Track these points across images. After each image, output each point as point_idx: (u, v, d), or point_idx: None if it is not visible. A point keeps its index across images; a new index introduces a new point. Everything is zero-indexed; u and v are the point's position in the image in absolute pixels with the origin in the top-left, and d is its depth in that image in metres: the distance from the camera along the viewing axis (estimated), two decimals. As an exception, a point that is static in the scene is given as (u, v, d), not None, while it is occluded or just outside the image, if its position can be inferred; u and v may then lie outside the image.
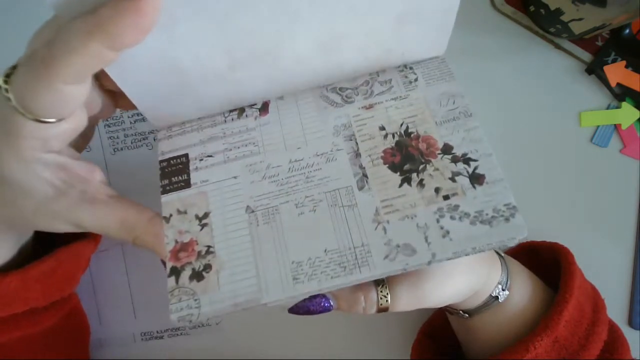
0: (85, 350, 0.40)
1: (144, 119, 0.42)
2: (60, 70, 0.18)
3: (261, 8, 0.20)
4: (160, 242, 0.24)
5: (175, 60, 0.22)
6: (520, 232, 0.23)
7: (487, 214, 0.23)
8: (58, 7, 0.18)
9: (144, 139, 0.42)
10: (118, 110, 0.42)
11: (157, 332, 0.41)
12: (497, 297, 0.29)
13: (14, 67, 0.20)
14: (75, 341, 0.38)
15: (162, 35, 0.20)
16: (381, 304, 0.26)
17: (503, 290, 0.29)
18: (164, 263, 0.24)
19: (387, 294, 0.26)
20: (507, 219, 0.23)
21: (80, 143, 0.26)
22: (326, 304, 0.26)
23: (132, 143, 0.42)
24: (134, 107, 0.25)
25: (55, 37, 0.18)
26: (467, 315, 0.30)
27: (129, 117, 0.42)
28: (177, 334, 0.41)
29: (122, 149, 0.42)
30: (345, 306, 0.27)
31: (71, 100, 0.20)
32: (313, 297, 0.26)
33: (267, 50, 0.23)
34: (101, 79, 0.24)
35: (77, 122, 0.22)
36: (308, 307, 0.26)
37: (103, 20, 0.17)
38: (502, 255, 0.30)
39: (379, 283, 0.26)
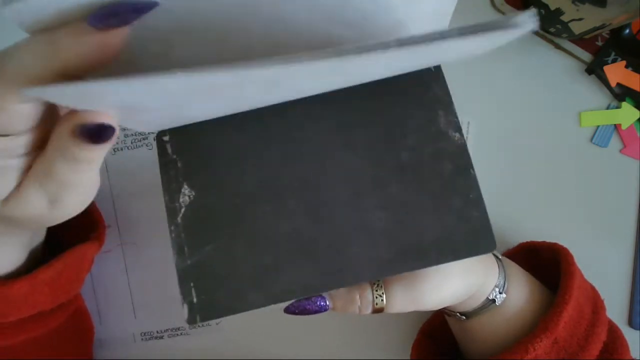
0: (89, 349, 0.40)
1: (144, 119, 0.42)
2: (11, 92, 0.17)
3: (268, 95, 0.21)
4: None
5: (179, 116, 0.23)
6: None
7: None
8: (23, 26, 0.17)
9: (144, 139, 0.42)
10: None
11: (157, 332, 0.41)
12: (494, 300, 0.28)
13: None
14: (79, 341, 0.38)
15: (171, 113, 0.21)
16: (377, 304, 0.26)
17: (500, 293, 0.29)
18: None
19: (383, 293, 0.26)
20: None
21: None
22: (322, 303, 0.26)
23: (132, 143, 0.42)
24: None
25: (7, 56, 0.17)
26: (464, 317, 0.30)
27: (129, 117, 0.42)
28: (177, 334, 0.41)
29: (122, 149, 0.42)
30: (341, 306, 0.27)
31: (24, 117, 0.18)
32: (309, 297, 0.26)
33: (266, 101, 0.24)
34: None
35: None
36: (304, 306, 0.26)
37: (61, 49, 0.16)
38: (500, 257, 0.30)
39: (375, 283, 0.26)
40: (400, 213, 0.24)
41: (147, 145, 0.42)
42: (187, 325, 0.41)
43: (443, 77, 0.25)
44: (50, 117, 0.20)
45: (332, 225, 0.24)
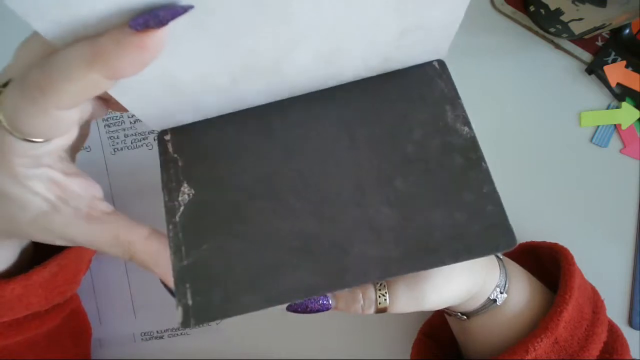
0: (87, 350, 0.40)
1: (143, 119, 0.42)
2: (57, 97, 0.18)
3: (262, 28, 0.20)
4: (157, 261, 0.24)
5: (176, 76, 0.22)
6: None
7: None
8: (52, 36, 0.17)
9: (144, 139, 0.42)
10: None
11: (157, 332, 0.41)
12: (495, 300, 0.29)
13: (4, 85, 0.20)
14: (77, 341, 0.38)
15: (164, 56, 0.20)
16: (380, 304, 0.26)
17: (501, 293, 0.29)
18: (164, 285, 0.24)
19: (386, 292, 0.26)
20: None
21: (77, 143, 0.26)
22: (324, 302, 0.26)
23: (132, 143, 0.42)
24: (125, 109, 0.25)
25: (52, 62, 0.17)
26: (465, 317, 0.30)
27: (129, 117, 0.42)
28: (177, 334, 0.41)
29: (122, 149, 0.42)
30: (344, 305, 0.27)
31: (64, 124, 0.20)
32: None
33: (268, 66, 0.23)
34: None
35: (68, 138, 0.22)
36: (306, 304, 0.26)
37: (105, 52, 0.17)
38: (501, 258, 0.30)
39: (378, 283, 0.26)
40: (407, 209, 0.23)
41: (147, 145, 0.42)
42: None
43: (448, 74, 0.25)
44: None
45: (335, 223, 0.23)
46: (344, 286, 0.22)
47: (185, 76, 0.22)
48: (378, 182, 0.23)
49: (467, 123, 0.24)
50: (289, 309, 0.26)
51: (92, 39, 0.17)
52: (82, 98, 0.18)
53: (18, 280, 0.27)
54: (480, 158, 0.23)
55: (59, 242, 0.24)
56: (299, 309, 0.26)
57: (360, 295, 0.26)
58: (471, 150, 0.23)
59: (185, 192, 0.25)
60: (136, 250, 0.23)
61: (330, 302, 0.26)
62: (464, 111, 0.24)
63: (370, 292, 0.26)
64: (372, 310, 0.26)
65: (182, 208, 0.24)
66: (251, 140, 0.25)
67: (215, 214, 0.24)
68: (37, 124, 0.19)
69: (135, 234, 0.24)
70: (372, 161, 0.24)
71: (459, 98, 0.25)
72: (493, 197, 0.23)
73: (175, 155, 0.25)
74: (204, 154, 0.25)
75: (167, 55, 0.20)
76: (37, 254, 0.30)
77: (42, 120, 0.19)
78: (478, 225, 0.22)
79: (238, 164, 0.25)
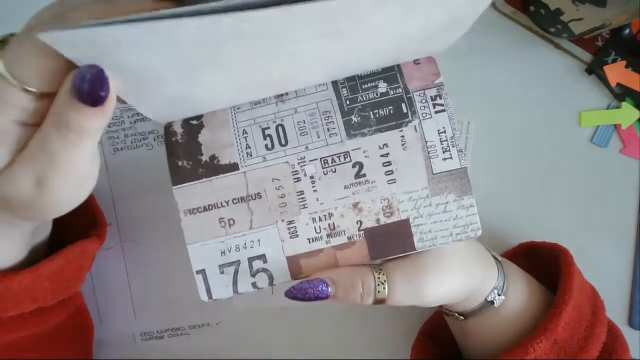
0: (89, 348, 0.40)
1: (144, 119, 0.42)
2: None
3: (277, 62, 0.21)
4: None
5: (190, 94, 0.23)
6: None
7: None
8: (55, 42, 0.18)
9: (144, 139, 0.42)
10: (118, 110, 0.42)
11: (157, 332, 0.41)
12: (492, 302, 0.29)
13: (11, 35, 0.21)
14: (79, 339, 0.38)
15: (181, 81, 0.21)
16: (378, 292, 0.26)
17: (499, 295, 0.29)
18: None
19: (385, 281, 0.26)
20: None
21: None
22: (323, 288, 0.26)
23: (132, 143, 0.42)
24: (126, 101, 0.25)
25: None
26: (462, 317, 0.30)
27: (129, 117, 0.42)
28: (177, 334, 0.41)
29: (122, 149, 0.42)
30: (343, 293, 0.26)
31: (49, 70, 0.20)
32: (310, 280, 0.26)
33: (275, 81, 0.24)
34: None
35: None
36: (305, 289, 0.26)
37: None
38: (499, 259, 0.30)
39: (377, 272, 0.26)
40: None
41: (147, 145, 0.42)
42: (187, 325, 0.41)
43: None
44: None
45: None
46: None
47: (197, 94, 0.23)
48: None
49: None
50: (287, 294, 0.26)
51: None
52: None
53: (26, 272, 0.27)
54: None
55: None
56: (298, 295, 0.26)
57: (360, 282, 0.26)
58: None
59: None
60: None
61: (329, 289, 0.26)
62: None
63: (370, 280, 0.26)
64: (370, 299, 0.26)
65: None
66: None
67: None
68: (33, 67, 0.20)
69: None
70: None
71: None
72: None
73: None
74: None
75: (182, 81, 0.21)
76: (48, 254, 0.30)
77: (38, 60, 0.20)
78: None
79: None
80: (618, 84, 0.40)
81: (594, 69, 0.40)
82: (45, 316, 0.32)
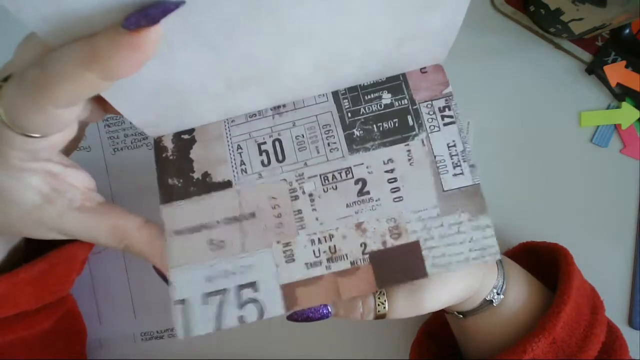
0: (82, 352, 0.40)
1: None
2: (54, 95, 0.18)
3: (258, 34, 0.20)
4: (152, 250, 0.24)
5: (171, 83, 0.22)
6: None
7: None
8: (45, 34, 0.17)
9: (144, 139, 0.42)
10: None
11: (157, 332, 0.41)
12: (491, 301, 0.29)
13: (5, 80, 0.20)
14: (71, 343, 0.38)
15: (159, 62, 0.20)
16: (379, 311, 0.26)
17: (498, 294, 0.29)
18: (157, 271, 0.24)
19: (385, 300, 0.26)
20: None
21: (70, 145, 0.25)
22: (324, 311, 0.26)
23: (132, 143, 0.42)
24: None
25: (49, 61, 0.17)
26: (461, 316, 0.30)
27: (129, 117, 0.42)
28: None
29: (122, 149, 0.42)
30: (343, 312, 0.27)
31: (61, 121, 0.20)
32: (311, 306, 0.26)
33: (265, 73, 0.23)
34: None
35: (66, 134, 0.22)
36: (307, 314, 0.26)
37: (99, 51, 0.17)
38: (500, 258, 0.30)
39: (377, 291, 0.26)
40: None
41: (147, 145, 0.42)
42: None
43: None
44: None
45: None
46: None
47: (180, 82, 0.22)
48: None
49: None
50: (289, 318, 0.26)
51: (88, 39, 0.17)
52: (79, 97, 0.18)
53: (4, 277, 0.27)
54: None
55: (51, 235, 0.24)
56: (300, 318, 0.26)
57: (360, 303, 0.26)
58: None
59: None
60: (131, 239, 0.24)
61: (330, 310, 0.26)
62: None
63: (370, 300, 0.26)
64: (371, 316, 0.26)
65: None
66: None
67: None
68: (34, 120, 0.19)
69: (129, 223, 0.24)
70: None
71: None
72: None
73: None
74: None
75: (163, 63, 0.20)
76: (29, 255, 0.30)
77: (39, 116, 0.19)
78: None
79: None
80: (618, 84, 0.40)
81: (594, 69, 0.40)
82: (30, 320, 0.31)
